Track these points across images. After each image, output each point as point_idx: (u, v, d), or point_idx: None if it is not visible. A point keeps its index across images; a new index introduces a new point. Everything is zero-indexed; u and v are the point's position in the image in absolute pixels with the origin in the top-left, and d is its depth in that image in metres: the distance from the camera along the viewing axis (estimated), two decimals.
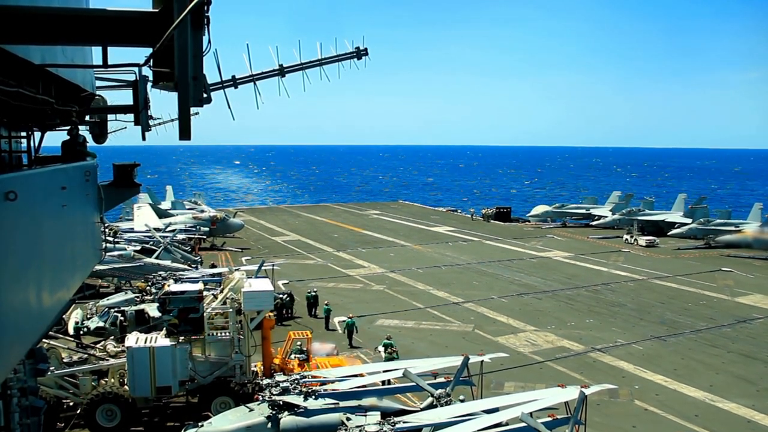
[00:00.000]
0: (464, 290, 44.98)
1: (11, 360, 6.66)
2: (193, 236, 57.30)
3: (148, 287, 33.20)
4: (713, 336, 34.93)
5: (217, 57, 14.14)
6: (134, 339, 22.90)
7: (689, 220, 68.56)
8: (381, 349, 29.01)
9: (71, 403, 23.54)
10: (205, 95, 6.93)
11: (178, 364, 22.50)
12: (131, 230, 52.63)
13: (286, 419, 17.56)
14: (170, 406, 24.60)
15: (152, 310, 28.92)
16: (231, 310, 24.35)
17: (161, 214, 62.79)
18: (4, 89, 6.61)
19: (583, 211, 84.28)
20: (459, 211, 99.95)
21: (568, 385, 18.76)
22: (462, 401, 18.62)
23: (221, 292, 25.90)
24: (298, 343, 27.54)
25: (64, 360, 23.60)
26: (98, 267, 35.77)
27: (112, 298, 33.23)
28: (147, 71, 7.65)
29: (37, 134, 9.84)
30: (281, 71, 19.58)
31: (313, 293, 38.81)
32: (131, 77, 8.87)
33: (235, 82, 18.49)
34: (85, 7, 9.36)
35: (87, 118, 11.25)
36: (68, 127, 10.31)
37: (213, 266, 42.20)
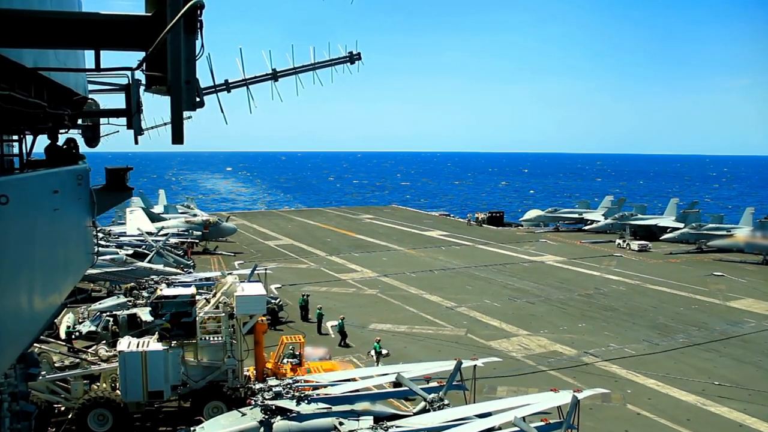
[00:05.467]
0: (457, 294, 44.97)
1: (2, 364, 6.64)
2: (185, 240, 57.12)
3: (137, 290, 33.07)
4: (705, 340, 35.08)
5: (210, 61, 14.20)
6: (126, 343, 22.78)
7: (681, 225, 68.86)
8: (373, 353, 29.09)
9: (62, 408, 23.35)
10: (198, 99, 6.94)
11: (171, 369, 22.39)
12: (123, 234, 52.45)
13: (279, 424, 17.51)
14: (162, 411, 24.48)
15: (144, 314, 28.79)
16: (223, 314, 24.30)
17: (154, 218, 62.57)
18: None
19: (576, 215, 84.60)
20: (452, 215, 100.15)
21: (560, 390, 18.81)
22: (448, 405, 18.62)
23: (214, 296, 25.84)
24: (291, 347, 27.51)
25: (56, 364, 23.42)
26: (90, 271, 35.61)
27: (104, 302, 33.06)
28: (140, 75, 7.66)
29: (29, 138, 9.82)
30: (274, 75, 19.65)
31: (306, 297, 38.73)
32: (124, 81, 8.87)
33: (228, 86, 18.56)
34: (78, 10, 9.36)
35: (79, 121, 11.24)
36: (60, 131, 10.30)
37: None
